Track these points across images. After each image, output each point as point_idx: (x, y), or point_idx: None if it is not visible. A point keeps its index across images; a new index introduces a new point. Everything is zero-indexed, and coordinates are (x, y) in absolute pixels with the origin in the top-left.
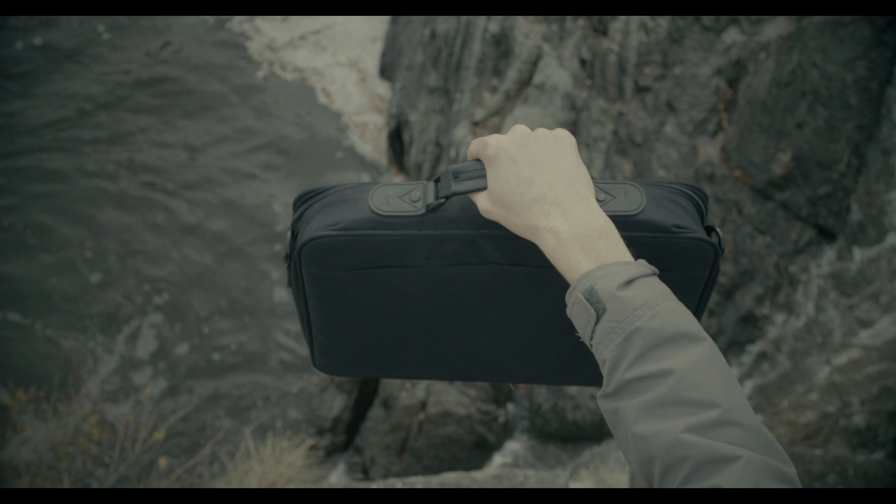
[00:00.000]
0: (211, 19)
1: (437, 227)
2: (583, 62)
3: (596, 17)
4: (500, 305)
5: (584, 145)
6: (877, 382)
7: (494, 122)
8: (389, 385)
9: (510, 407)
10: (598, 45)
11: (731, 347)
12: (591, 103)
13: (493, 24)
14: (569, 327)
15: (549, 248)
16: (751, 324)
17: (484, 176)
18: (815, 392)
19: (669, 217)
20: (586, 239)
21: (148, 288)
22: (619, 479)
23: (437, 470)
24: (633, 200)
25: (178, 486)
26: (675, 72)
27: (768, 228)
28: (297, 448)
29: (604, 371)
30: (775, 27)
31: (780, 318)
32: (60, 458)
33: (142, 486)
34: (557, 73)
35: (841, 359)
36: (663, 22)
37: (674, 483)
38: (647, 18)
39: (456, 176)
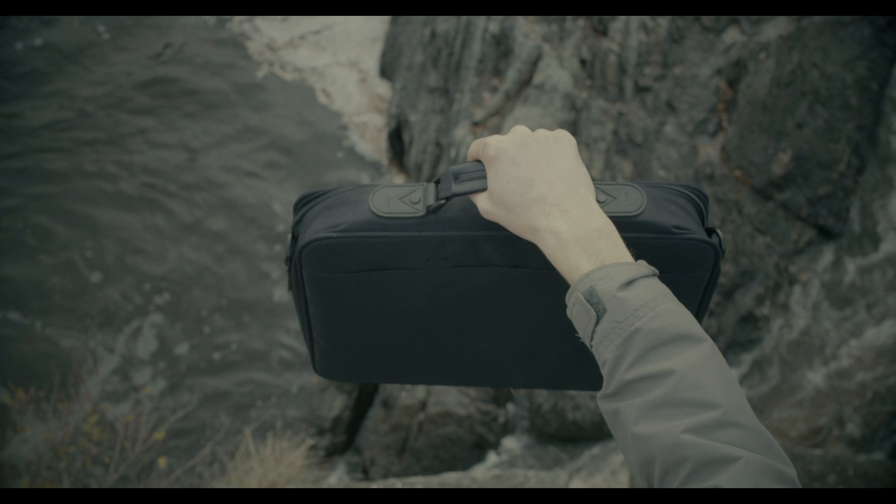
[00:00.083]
0: (211, 19)
1: (438, 229)
2: (583, 62)
3: (596, 17)
4: (500, 308)
5: (584, 145)
6: (869, 388)
7: (494, 122)
8: (389, 385)
9: (510, 407)
10: (598, 45)
11: (731, 348)
12: (591, 103)
13: (493, 24)
14: (569, 331)
15: (549, 248)
16: (751, 324)
17: (484, 177)
18: (806, 403)
19: (670, 218)
20: (586, 239)
21: (148, 287)
22: (619, 479)
23: (437, 470)
24: (634, 201)
25: (178, 486)
26: (675, 72)
27: (768, 228)
28: (297, 448)
29: (604, 372)
30: (775, 27)
31: (775, 324)
32: (60, 458)
33: (142, 486)
34: (557, 73)
35: (831, 367)
36: (663, 22)
37: (674, 484)
38: (647, 18)
39: (456, 177)
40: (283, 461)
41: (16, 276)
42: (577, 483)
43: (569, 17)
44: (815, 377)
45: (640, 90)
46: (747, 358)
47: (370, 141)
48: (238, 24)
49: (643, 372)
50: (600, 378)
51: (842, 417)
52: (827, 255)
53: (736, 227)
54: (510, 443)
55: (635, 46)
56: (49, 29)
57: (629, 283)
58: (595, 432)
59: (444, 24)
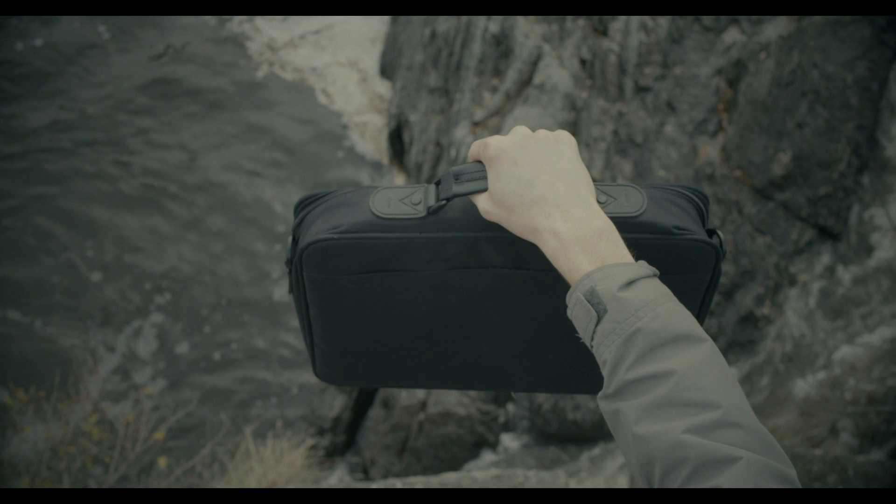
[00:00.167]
0: (212, 19)
1: (439, 230)
2: (583, 62)
3: (596, 17)
4: (501, 310)
5: (585, 145)
6: (864, 393)
7: (494, 122)
8: None
9: (510, 407)
10: (599, 45)
11: (731, 348)
12: (591, 103)
13: (494, 24)
14: (570, 333)
15: (549, 249)
16: (751, 324)
17: (485, 177)
18: (798, 413)
19: (670, 219)
20: (587, 240)
21: (148, 287)
22: (619, 479)
23: (437, 470)
24: (634, 202)
25: (178, 486)
26: (675, 72)
27: (768, 228)
28: (297, 448)
29: (604, 372)
30: (775, 27)
31: (771, 329)
32: (60, 458)
33: (142, 486)
34: (557, 73)
35: (823, 376)
36: (663, 22)
37: (674, 484)
38: (647, 18)
39: (457, 178)
40: (283, 461)
41: (16, 276)
42: (577, 483)
43: (569, 17)
44: (807, 386)
45: (641, 90)
46: (743, 367)
47: (370, 141)
48: (238, 24)
49: (644, 372)
50: (601, 383)
51: (836, 427)
52: (825, 257)
53: (736, 227)
54: (509, 440)
55: (635, 46)
56: (49, 29)
57: (630, 283)
58: (595, 432)
59: (445, 24)
